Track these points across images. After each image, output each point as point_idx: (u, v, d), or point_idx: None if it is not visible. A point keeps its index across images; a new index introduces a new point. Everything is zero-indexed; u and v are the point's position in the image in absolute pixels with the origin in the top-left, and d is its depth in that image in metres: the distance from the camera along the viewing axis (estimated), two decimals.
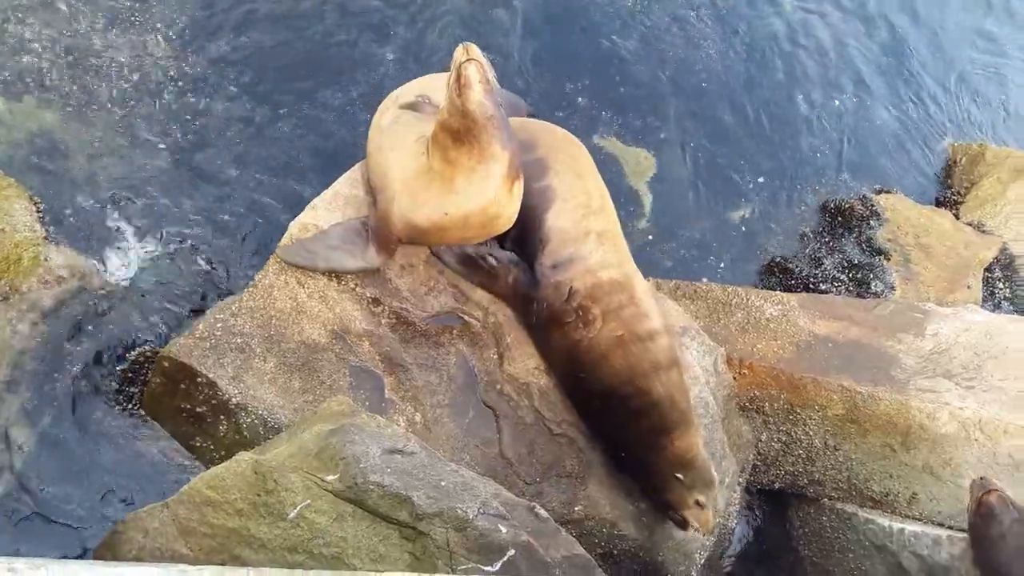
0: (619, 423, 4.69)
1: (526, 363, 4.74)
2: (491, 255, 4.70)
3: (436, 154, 4.24)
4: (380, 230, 4.47)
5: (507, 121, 4.24)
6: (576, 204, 4.68)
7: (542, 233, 4.64)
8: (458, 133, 4.11)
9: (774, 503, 5.84)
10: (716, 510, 4.68)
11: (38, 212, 4.89)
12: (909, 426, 5.30)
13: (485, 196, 4.24)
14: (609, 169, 6.91)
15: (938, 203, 8.08)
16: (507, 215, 4.40)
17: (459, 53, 4.05)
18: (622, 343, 4.55)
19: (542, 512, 3.79)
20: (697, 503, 4.57)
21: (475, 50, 4.05)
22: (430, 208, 4.30)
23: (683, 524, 4.72)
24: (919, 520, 5.37)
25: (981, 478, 4.47)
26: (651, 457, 4.62)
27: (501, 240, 4.74)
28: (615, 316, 4.56)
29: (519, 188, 4.38)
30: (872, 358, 5.55)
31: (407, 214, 4.36)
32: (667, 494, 4.65)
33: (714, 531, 4.67)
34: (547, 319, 4.66)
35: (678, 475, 4.54)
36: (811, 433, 5.43)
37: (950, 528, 5.24)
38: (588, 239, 4.64)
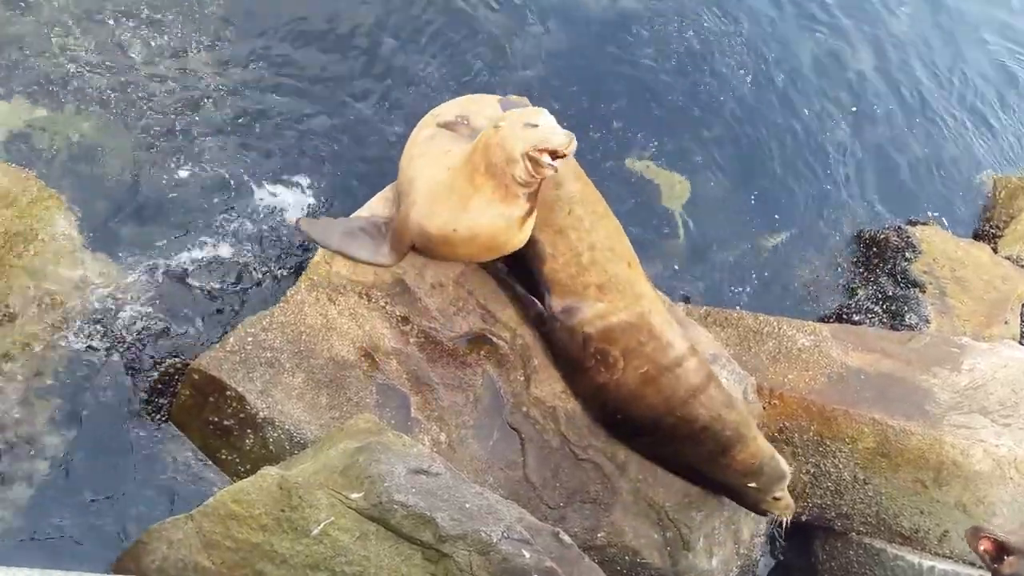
0: (674, 451, 4.73)
1: (553, 386, 4.72)
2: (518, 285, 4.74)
3: (464, 171, 4.27)
4: (397, 231, 4.54)
5: (540, 186, 4.27)
6: (565, 261, 4.56)
7: (543, 280, 4.62)
8: (492, 168, 4.16)
9: (800, 536, 5.74)
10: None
11: (76, 220, 4.95)
12: (942, 462, 5.21)
13: (495, 227, 4.28)
14: (644, 192, 6.91)
15: (976, 236, 7.97)
16: (515, 243, 4.41)
17: (563, 141, 4.02)
18: (650, 378, 4.54)
19: (566, 538, 3.76)
20: (774, 498, 4.66)
21: (574, 147, 4.07)
22: (442, 220, 4.34)
23: (765, 514, 4.84)
24: (950, 558, 5.27)
25: (973, 527, 4.33)
26: (718, 475, 4.71)
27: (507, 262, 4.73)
28: (637, 354, 4.54)
29: (531, 222, 4.39)
30: (905, 392, 5.46)
31: (422, 220, 4.40)
32: (745, 499, 4.78)
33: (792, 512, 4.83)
34: (568, 362, 4.68)
35: (750, 484, 4.62)
36: (841, 466, 5.34)
37: (982, 568, 5.12)
38: (588, 292, 4.56)
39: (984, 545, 4.15)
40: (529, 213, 4.32)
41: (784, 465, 4.66)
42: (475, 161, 4.23)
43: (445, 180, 4.35)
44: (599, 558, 4.53)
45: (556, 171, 4.09)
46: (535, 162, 4.04)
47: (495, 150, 4.13)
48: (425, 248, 4.53)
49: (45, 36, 5.58)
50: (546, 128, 4.06)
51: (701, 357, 4.77)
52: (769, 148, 7.75)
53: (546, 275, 4.59)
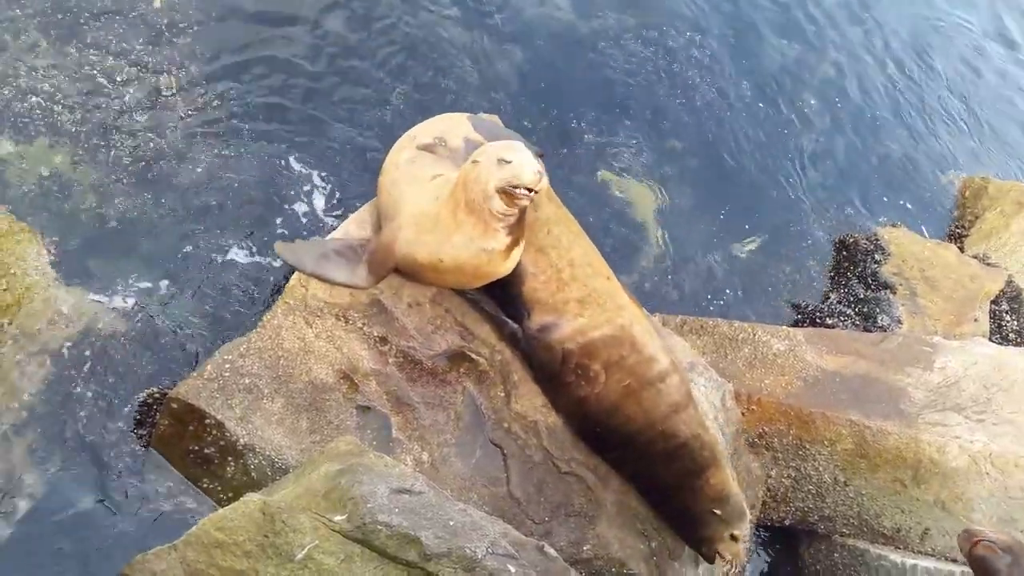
0: (647, 468, 4.73)
1: (533, 401, 4.74)
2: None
3: (448, 206, 4.33)
4: (379, 254, 4.56)
5: (523, 214, 4.33)
6: (546, 279, 4.61)
7: (522, 301, 4.65)
8: (471, 204, 4.23)
9: (785, 540, 5.80)
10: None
11: (49, 254, 4.93)
12: (919, 460, 5.28)
13: (479, 259, 4.34)
14: (617, 204, 6.98)
15: (943, 236, 8.11)
16: (501, 271, 4.47)
17: (532, 178, 4.10)
18: (631, 392, 4.56)
19: (551, 551, 3.77)
20: (732, 536, 4.62)
21: (545, 182, 4.22)
22: (429, 251, 4.40)
23: (712, 557, 4.76)
24: (932, 556, 5.34)
25: (965, 530, 4.41)
26: (687, 498, 4.67)
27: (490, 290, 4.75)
28: (618, 367, 4.57)
29: (518, 252, 4.44)
30: (880, 392, 5.54)
31: (410, 248, 4.45)
32: (702, 530, 4.70)
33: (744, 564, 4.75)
34: (548, 378, 4.70)
35: (715, 511, 4.59)
36: (821, 468, 5.40)
37: (964, 565, 5.18)
38: (568, 308, 4.60)
39: (978, 550, 4.22)
40: (513, 244, 4.37)
41: (745, 505, 4.69)
42: (457, 197, 4.30)
43: (431, 211, 4.40)
44: (586, 571, 4.54)
45: (531, 201, 4.18)
46: (509, 195, 4.13)
47: (472, 186, 4.21)
48: (412, 273, 4.57)
49: (12, 70, 5.57)
50: (517, 165, 4.14)
51: (683, 374, 4.79)
52: (738, 156, 7.87)
53: (525, 295, 4.62)
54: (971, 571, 4.96)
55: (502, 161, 4.16)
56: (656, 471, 4.70)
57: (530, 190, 4.12)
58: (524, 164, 4.13)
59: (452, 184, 4.37)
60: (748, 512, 4.70)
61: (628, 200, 7.10)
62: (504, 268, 4.44)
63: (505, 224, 4.27)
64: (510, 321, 4.70)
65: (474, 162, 4.27)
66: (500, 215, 4.21)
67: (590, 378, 4.57)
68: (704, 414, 4.98)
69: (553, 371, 4.65)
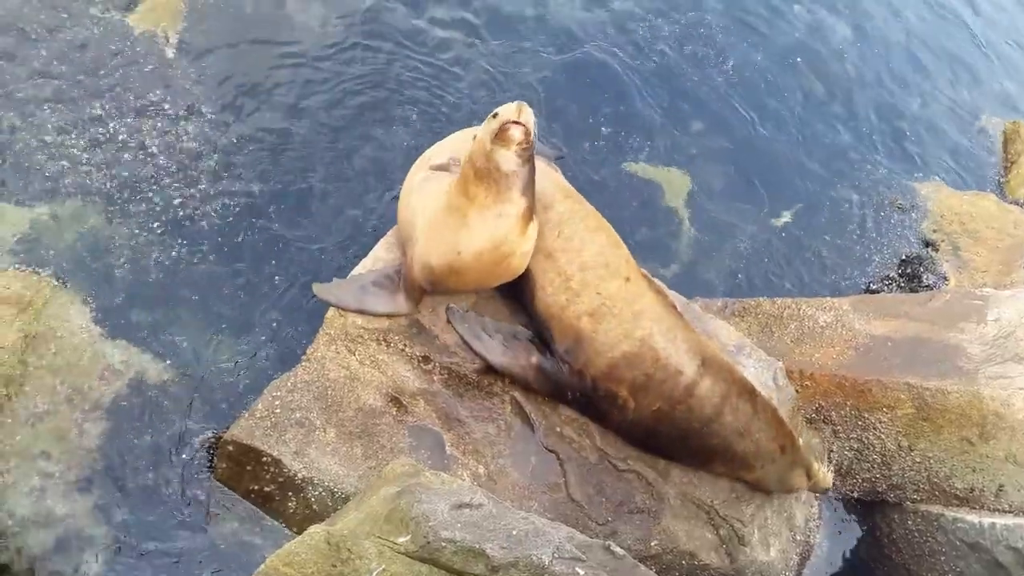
0: (702, 465, 4.80)
1: None
2: (510, 333, 4.64)
3: (458, 187, 4.31)
4: (407, 277, 4.57)
5: (532, 175, 4.29)
6: (554, 290, 4.47)
7: (541, 321, 4.54)
8: (480, 172, 4.20)
9: (858, 512, 5.68)
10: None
11: (91, 312, 5.03)
12: (984, 416, 5.15)
13: (497, 233, 4.25)
14: (645, 193, 6.91)
15: (980, 186, 7.93)
16: (520, 254, 4.37)
17: (511, 111, 4.11)
18: (663, 415, 4.47)
19: (618, 549, 3.73)
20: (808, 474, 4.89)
21: (527, 113, 4.12)
22: (444, 248, 4.34)
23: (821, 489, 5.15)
24: (1010, 512, 5.19)
25: None
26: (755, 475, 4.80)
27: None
28: (644, 390, 4.43)
29: (534, 229, 4.37)
30: (935, 352, 5.41)
31: (424, 257, 4.42)
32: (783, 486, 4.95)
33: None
34: (585, 405, 4.60)
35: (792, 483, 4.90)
36: (883, 436, 5.30)
37: None
38: (582, 323, 4.42)
39: None
40: (528, 215, 4.30)
41: (808, 450, 4.93)
42: (466, 174, 4.28)
43: (441, 204, 4.39)
44: (656, 566, 4.51)
45: (523, 127, 4.09)
46: (502, 136, 4.08)
47: (477, 156, 4.20)
48: (435, 285, 4.53)
49: (37, 136, 5.68)
50: (500, 110, 4.17)
51: (716, 370, 4.53)
52: (762, 129, 7.75)
53: (538, 308, 4.51)
54: None
55: (491, 118, 4.20)
56: (712, 466, 4.74)
57: (517, 123, 4.07)
58: (507, 107, 4.16)
59: (459, 174, 4.37)
60: (814, 448, 4.90)
61: (656, 187, 7.03)
62: (522, 248, 4.34)
63: (518, 182, 4.20)
64: (540, 345, 4.60)
65: (475, 137, 4.29)
66: (509, 172, 4.15)
67: (619, 406, 4.48)
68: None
69: (586, 395, 4.54)
